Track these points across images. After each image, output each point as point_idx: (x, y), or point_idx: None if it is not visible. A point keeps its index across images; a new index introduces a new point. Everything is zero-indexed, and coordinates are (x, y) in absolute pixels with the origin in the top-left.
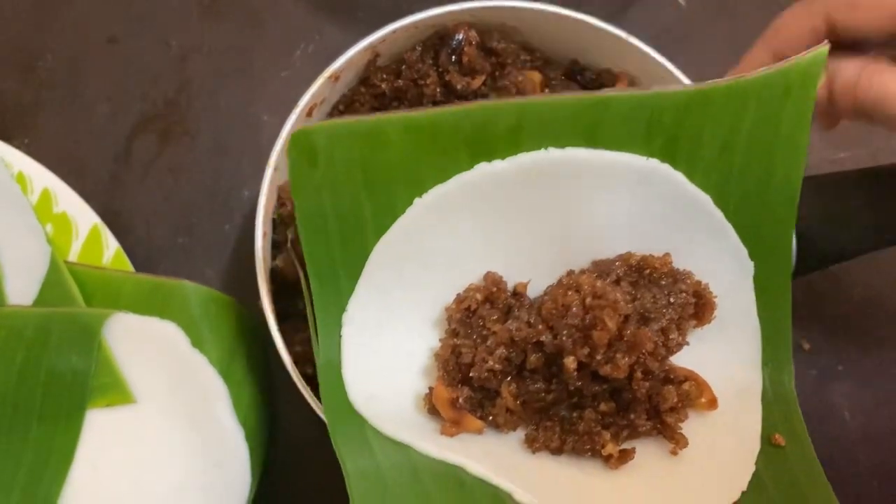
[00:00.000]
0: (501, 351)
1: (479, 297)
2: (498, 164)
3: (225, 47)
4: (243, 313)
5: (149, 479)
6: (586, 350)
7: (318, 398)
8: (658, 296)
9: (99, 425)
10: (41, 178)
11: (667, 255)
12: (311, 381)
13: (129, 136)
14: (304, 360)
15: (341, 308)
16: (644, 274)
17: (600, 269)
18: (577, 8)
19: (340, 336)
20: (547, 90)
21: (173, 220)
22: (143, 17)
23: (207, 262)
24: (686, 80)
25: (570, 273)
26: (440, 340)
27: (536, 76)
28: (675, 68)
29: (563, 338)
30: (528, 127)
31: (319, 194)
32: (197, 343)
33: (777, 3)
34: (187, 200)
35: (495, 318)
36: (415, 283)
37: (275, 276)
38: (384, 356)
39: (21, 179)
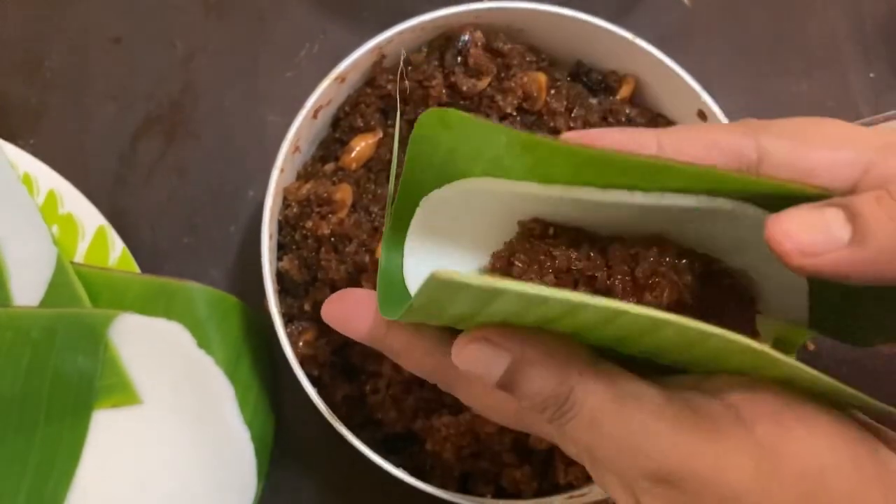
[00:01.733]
0: (551, 277)
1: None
2: None
3: (230, 47)
4: (249, 314)
5: (155, 480)
6: (633, 302)
7: (323, 398)
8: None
9: (105, 426)
10: (47, 178)
11: None
12: (317, 382)
13: (133, 136)
14: (310, 362)
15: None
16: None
17: None
18: (582, 8)
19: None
20: (552, 91)
21: (178, 221)
22: (147, 17)
23: (212, 262)
24: (691, 81)
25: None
26: (492, 254)
27: (542, 77)
28: (682, 69)
29: (617, 282)
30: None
31: (438, 145)
32: (203, 344)
33: (781, 2)
34: (192, 201)
35: (562, 245)
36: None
37: (280, 278)
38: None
39: (27, 180)
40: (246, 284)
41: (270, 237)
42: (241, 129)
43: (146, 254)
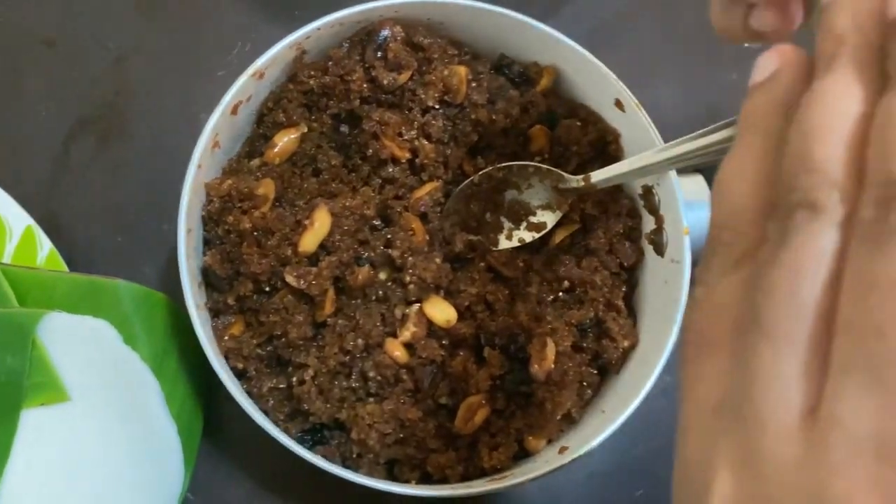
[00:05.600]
0: None
1: None
2: None
3: (163, 47)
4: (177, 310)
5: (84, 476)
6: None
7: (250, 391)
8: None
9: (34, 424)
10: None
11: None
12: (242, 375)
13: (67, 137)
14: (234, 355)
15: None
16: None
17: None
18: (520, 1)
19: None
20: (474, 84)
21: (112, 220)
22: (80, 18)
23: (146, 260)
24: (607, 72)
25: None
26: None
27: (462, 70)
28: (600, 62)
29: None
30: None
31: None
32: (129, 340)
33: None
34: (126, 200)
35: None
36: None
37: (206, 273)
38: None
39: None
40: (178, 281)
41: (189, 232)
42: (175, 128)
43: (80, 253)
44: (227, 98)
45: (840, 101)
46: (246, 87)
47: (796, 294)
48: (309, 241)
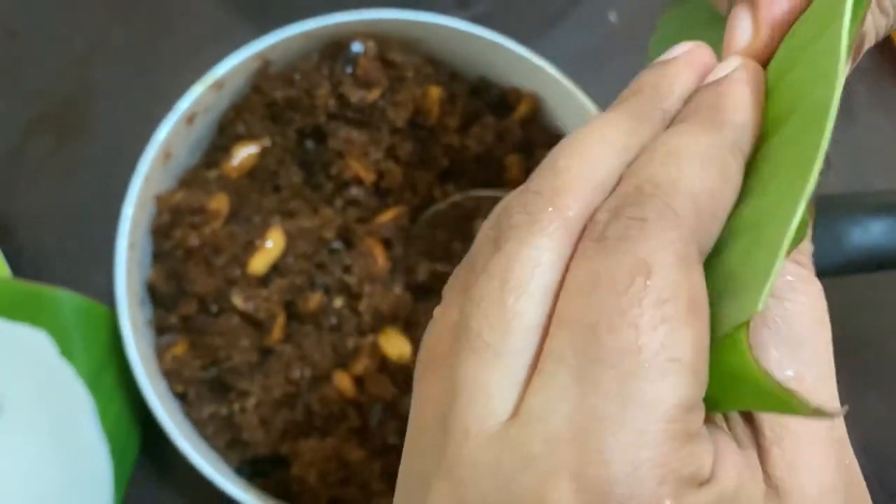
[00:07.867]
0: None
1: None
2: None
3: (131, 46)
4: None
5: (8, 492)
6: None
7: (189, 416)
8: None
9: None
10: None
11: None
12: (182, 398)
13: (23, 135)
14: (174, 377)
15: None
16: None
17: None
18: (504, 21)
19: None
20: (448, 106)
21: (64, 225)
22: (47, 11)
23: (97, 268)
24: (586, 101)
25: None
26: None
27: (436, 92)
28: (581, 91)
29: None
30: None
31: None
32: (66, 353)
33: None
34: (80, 204)
35: None
36: None
37: (152, 288)
38: None
39: None
40: None
41: (132, 247)
42: (138, 129)
43: (28, 258)
44: (181, 109)
45: (608, 131)
46: (203, 97)
47: (502, 303)
48: (259, 263)
